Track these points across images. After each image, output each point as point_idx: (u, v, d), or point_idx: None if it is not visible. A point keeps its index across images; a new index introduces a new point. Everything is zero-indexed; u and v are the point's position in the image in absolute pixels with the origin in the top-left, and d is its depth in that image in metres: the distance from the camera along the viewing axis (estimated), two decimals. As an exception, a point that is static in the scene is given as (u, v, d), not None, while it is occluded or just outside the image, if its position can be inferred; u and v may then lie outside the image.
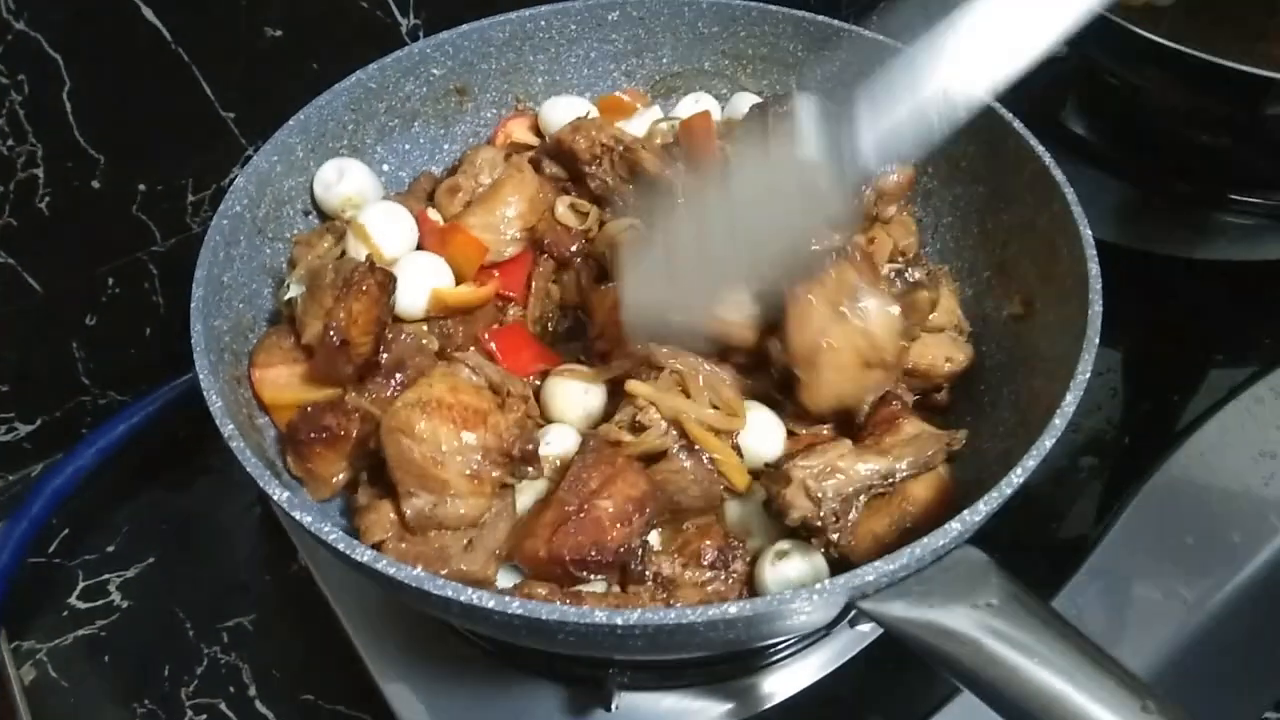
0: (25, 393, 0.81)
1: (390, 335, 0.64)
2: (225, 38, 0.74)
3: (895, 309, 0.57)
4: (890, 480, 0.56)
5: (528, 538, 0.55)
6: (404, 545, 0.56)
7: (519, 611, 0.44)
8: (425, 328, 0.66)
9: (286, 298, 0.66)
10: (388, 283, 0.61)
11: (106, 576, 0.77)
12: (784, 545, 0.57)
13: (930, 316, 0.65)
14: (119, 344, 0.83)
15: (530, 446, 0.56)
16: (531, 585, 0.54)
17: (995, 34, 0.50)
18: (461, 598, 0.45)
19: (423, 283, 0.66)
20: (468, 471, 0.55)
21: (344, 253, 0.68)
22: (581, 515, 0.54)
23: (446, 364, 0.59)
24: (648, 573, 0.56)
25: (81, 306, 0.80)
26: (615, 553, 0.54)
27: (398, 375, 0.62)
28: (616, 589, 0.57)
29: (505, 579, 0.57)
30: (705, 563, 0.56)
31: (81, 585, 0.76)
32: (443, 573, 0.53)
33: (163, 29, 0.71)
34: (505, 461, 0.56)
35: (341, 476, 0.60)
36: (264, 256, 0.67)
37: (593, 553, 0.53)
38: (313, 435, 0.58)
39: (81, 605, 0.75)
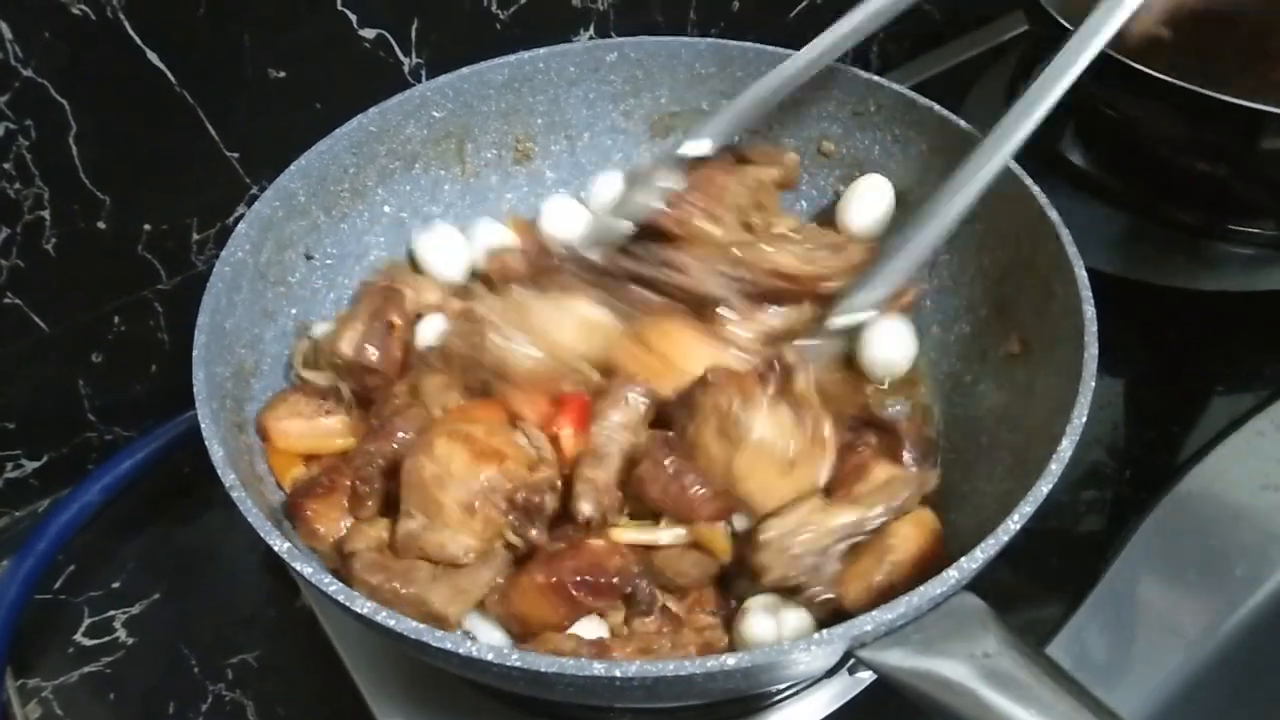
0: (32, 430, 0.81)
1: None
2: (229, 80, 0.75)
3: (780, 409, 0.57)
4: (865, 529, 0.56)
5: (522, 575, 0.55)
6: (377, 556, 0.56)
7: (517, 664, 0.45)
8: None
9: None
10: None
11: (112, 613, 0.77)
12: (748, 604, 0.57)
13: None
14: (125, 381, 0.84)
15: (536, 499, 0.56)
16: (556, 640, 0.54)
17: None
18: (460, 650, 0.45)
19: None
20: (463, 499, 0.55)
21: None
22: (575, 549, 0.55)
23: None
24: (655, 607, 0.56)
25: (88, 345, 0.80)
26: (617, 573, 0.54)
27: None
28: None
29: (481, 630, 0.57)
30: (707, 610, 0.56)
31: (87, 622, 0.77)
32: (402, 592, 0.54)
33: (167, 72, 0.71)
34: (506, 508, 0.56)
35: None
36: (265, 301, 0.68)
37: (596, 576, 0.54)
38: (303, 497, 0.60)
39: (87, 642, 0.76)
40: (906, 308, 0.71)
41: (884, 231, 0.76)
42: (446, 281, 0.76)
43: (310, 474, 0.63)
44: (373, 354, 0.66)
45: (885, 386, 0.72)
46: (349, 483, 0.60)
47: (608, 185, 0.79)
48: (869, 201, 0.76)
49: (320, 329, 0.71)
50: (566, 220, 0.78)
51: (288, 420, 0.65)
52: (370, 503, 0.60)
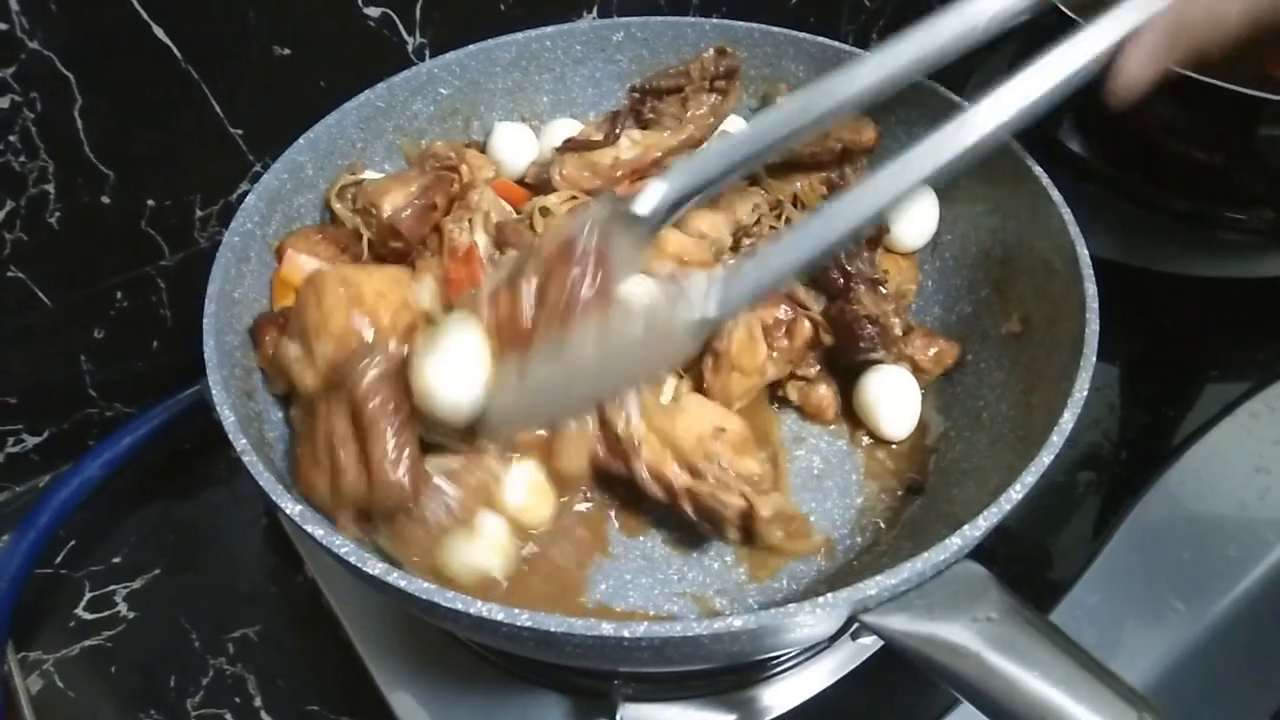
0: (33, 405, 0.81)
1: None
2: (234, 56, 0.75)
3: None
4: None
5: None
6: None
7: (527, 624, 0.45)
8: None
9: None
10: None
11: (113, 588, 0.77)
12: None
13: None
14: (126, 357, 0.84)
15: None
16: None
17: None
18: (471, 610, 0.45)
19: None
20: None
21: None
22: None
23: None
24: None
25: (90, 320, 0.80)
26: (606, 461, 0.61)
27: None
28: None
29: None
30: None
31: (88, 596, 0.77)
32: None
33: (173, 47, 0.71)
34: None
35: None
36: (273, 272, 0.68)
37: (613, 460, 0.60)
38: (268, 324, 0.64)
39: (88, 616, 0.76)
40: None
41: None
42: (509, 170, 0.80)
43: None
44: (406, 224, 0.69)
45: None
46: None
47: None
48: (915, 214, 0.75)
49: (369, 174, 0.74)
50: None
51: (305, 255, 0.68)
52: None
